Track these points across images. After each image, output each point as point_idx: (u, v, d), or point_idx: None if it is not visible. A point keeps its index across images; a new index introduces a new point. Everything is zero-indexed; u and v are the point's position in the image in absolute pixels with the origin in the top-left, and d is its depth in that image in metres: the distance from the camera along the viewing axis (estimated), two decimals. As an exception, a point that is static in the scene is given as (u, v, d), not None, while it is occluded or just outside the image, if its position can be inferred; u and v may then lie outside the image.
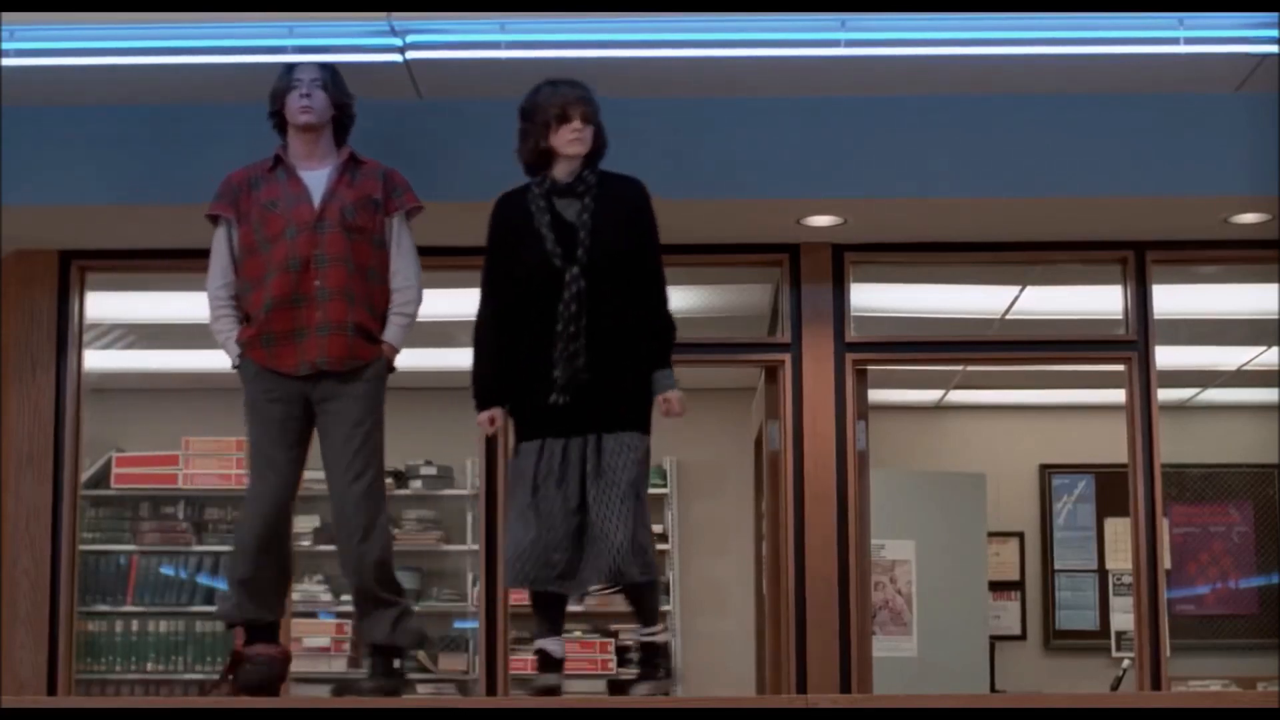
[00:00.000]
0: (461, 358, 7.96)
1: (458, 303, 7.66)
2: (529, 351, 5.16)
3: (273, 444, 5.40)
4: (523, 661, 9.10)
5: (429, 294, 8.35)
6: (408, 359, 9.12)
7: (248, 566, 5.39)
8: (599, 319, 5.09)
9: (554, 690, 5.16)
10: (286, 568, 5.54)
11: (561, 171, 5.22)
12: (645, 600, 5.21)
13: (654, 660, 5.20)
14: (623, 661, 9.69)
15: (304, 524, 8.98)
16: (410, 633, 5.48)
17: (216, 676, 8.27)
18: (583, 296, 5.08)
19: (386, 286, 5.50)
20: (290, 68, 5.59)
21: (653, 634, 5.21)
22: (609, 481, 5.05)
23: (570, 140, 5.18)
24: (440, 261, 7.38)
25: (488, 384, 5.29)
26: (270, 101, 5.59)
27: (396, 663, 5.47)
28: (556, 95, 5.18)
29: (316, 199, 5.43)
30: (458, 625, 9.36)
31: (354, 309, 5.38)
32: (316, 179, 5.48)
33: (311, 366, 5.35)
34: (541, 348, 5.11)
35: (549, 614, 5.24)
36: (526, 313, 5.18)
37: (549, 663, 5.21)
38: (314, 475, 9.29)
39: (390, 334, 5.51)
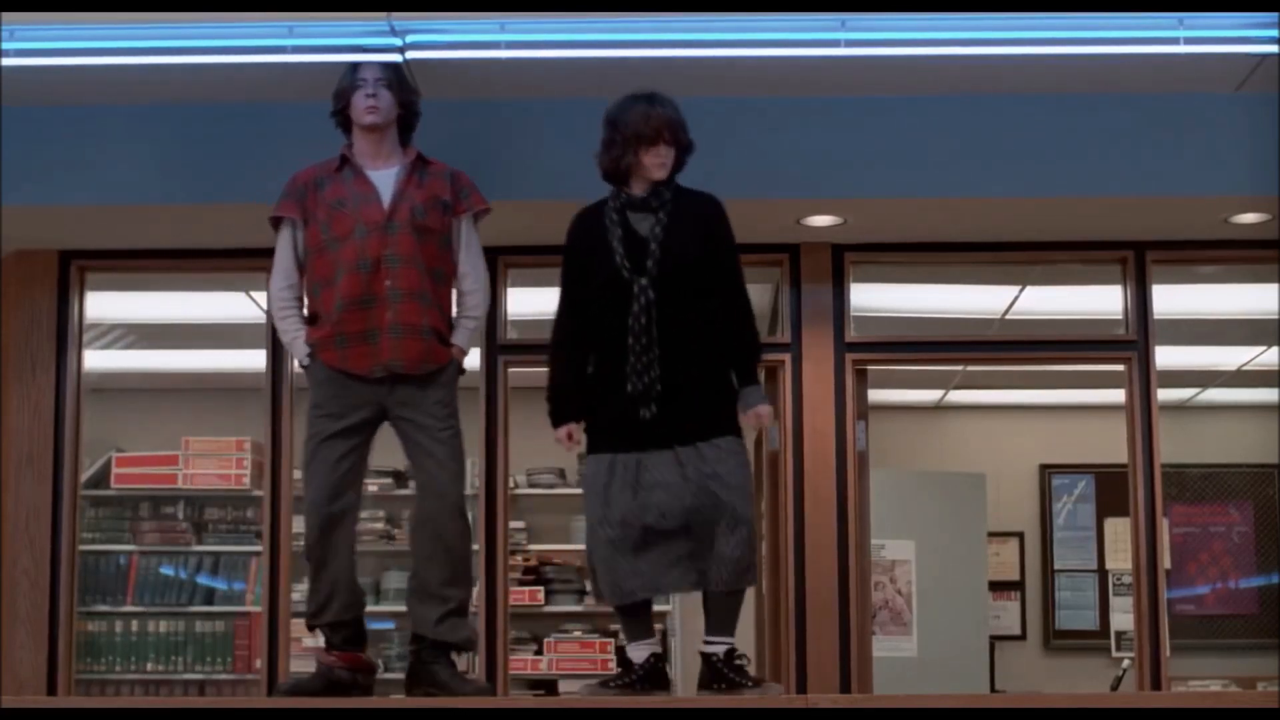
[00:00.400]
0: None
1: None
2: (604, 365, 5.17)
3: (339, 449, 5.36)
4: (523, 661, 9.13)
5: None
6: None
7: (325, 572, 5.37)
8: (670, 330, 5.08)
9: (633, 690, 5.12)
10: (349, 571, 5.47)
11: (638, 186, 5.22)
12: (729, 608, 5.17)
13: (736, 670, 5.12)
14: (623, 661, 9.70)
15: (303, 524, 8.98)
16: (458, 631, 5.41)
17: (220, 676, 8.31)
18: (652, 308, 5.07)
19: (451, 288, 5.48)
20: (355, 67, 5.54)
21: (729, 642, 5.15)
22: (716, 487, 5.02)
23: (655, 165, 5.18)
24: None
25: (565, 399, 5.27)
26: (335, 101, 5.54)
27: (454, 658, 5.43)
28: (650, 118, 5.16)
29: (385, 199, 5.39)
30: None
31: (427, 311, 5.34)
32: (384, 179, 5.43)
33: (385, 369, 5.31)
34: (615, 361, 5.11)
35: (636, 619, 5.22)
36: (601, 327, 5.18)
37: (628, 667, 5.19)
38: (314, 475, 9.32)
39: (460, 337, 5.47)
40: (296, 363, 5.52)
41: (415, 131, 5.61)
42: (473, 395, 7.22)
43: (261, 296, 7.34)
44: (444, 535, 5.37)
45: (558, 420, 5.28)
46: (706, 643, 5.18)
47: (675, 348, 5.07)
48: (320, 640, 5.55)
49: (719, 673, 5.10)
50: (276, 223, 5.53)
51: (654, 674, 5.19)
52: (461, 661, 9.01)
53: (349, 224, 5.35)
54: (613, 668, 9.52)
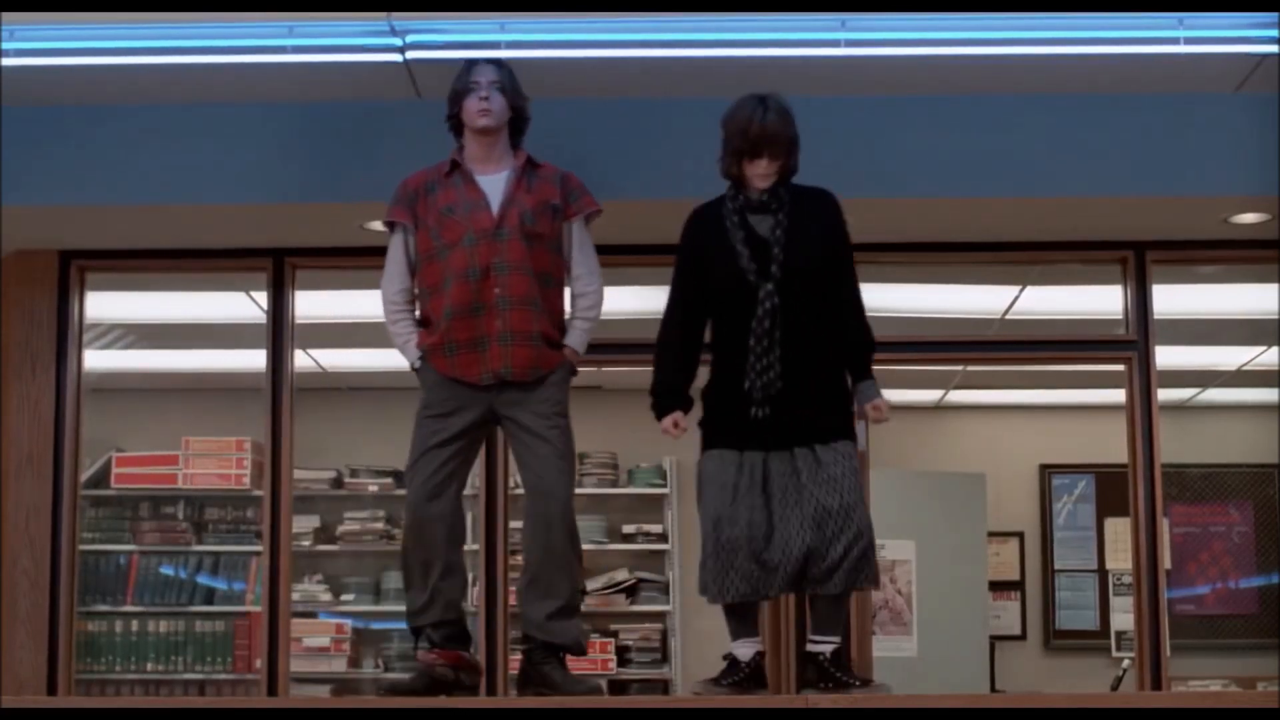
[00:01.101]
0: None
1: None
2: (723, 365, 5.18)
3: (445, 453, 5.37)
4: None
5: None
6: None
7: (431, 573, 5.39)
8: (792, 333, 5.09)
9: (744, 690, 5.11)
10: (460, 565, 5.51)
11: (755, 189, 5.22)
12: (838, 608, 5.17)
13: (843, 670, 5.13)
14: (623, 662, 9.70)
15: (303, 524, 8.99)
16: (568, 633, 5.42)
17: (220, 676, 8.30)
18: (776, 312, 5.08)
19: (563, 291, 5.47)
20: (468, 68, 5.51)
21: (836, 642, 5.14)
22: (830, 491, 5.03)
23: (758, 176, 5.19)
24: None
25: (671, 390, 5.28)
26: (448, 104, 5.51)
27: (559, 659, 5.41)
28: (748, 132, 5.16)
29: (495, 205, 5.37)
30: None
31: (537, 317, 5.33)
32: (493, 184, 5.41)
33: (495, 376, 5.31)
34: (734, 362, 5.12)
35: (744, 617, 5.21)
36: (719, 326, 5.20)
37: (734, 665, 5.18)
38: (314, 476, 9.37)
39: (573, 339, 5.47)
40: (408, 364, 5.49)
41: (525, 135, 5.58)
42: (473, 395, 7.21)
43: (261, 296, 7.35)
44: (551, 536, 5.39)
45: (663, 410, 5.29)
46: (813, 642, 5.17)
47: (795, 350, 5.09)
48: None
49: (825, 672, 5.11)
50: (390, 226, 5.52)
51: (758, 673, 5.20)
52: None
53: (459, 231, 5.34)
54: (613, 668, 9.53)
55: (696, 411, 5.31)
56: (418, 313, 5.50)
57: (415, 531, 5.39)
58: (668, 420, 5.28)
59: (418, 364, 5.43)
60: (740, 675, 5.15)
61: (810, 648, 5.18)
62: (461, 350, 5.32)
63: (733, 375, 5.13)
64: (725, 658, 5.22)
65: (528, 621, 5.41)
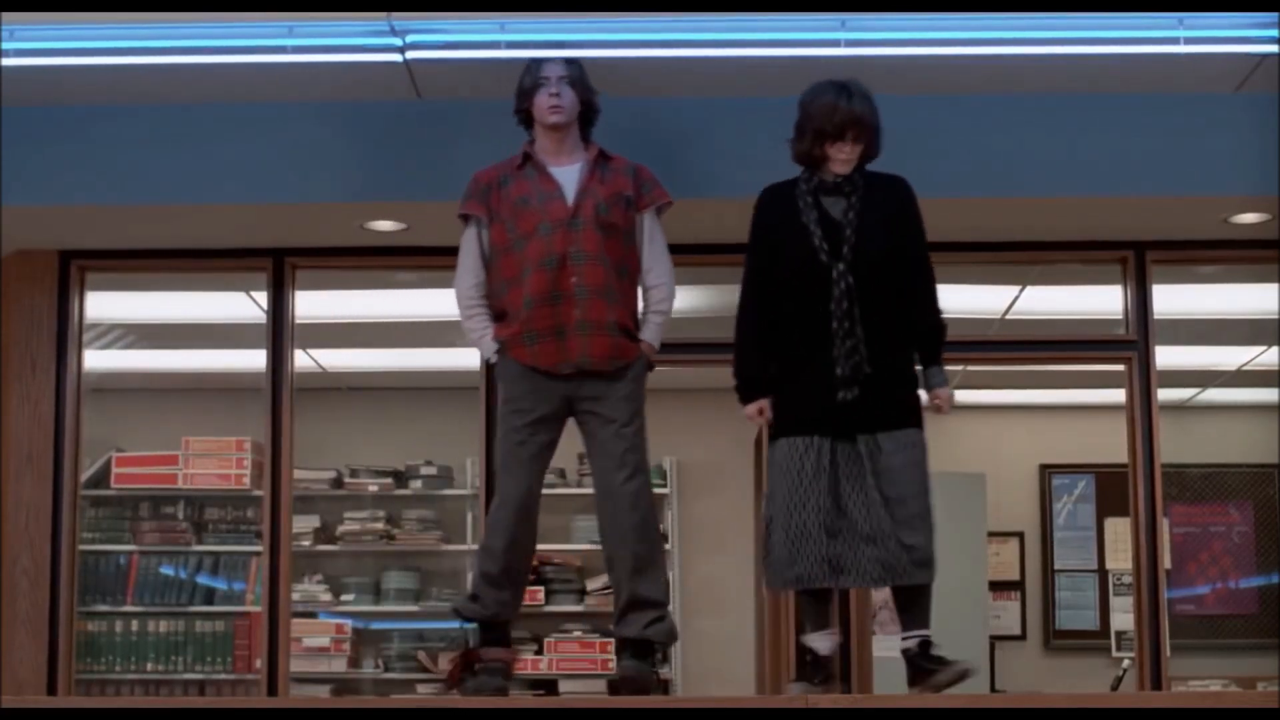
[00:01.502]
0: (460, 358, 7.99)
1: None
2: (797, 348, 5.17)
3: (528, 442, 5.37)
4: (523, 661, 9.11)
5: (425, 293, 8.40)
6: (408, 360, 9.14)
7: (497, 564, 5.37)
8: (869, 315, 5.09)
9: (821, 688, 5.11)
10: (529, 568, 5.51)
11: (829, 172, 5.23)
12: (919, 601, 5.19)
13: (934, 661, 5.14)
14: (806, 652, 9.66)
15: (303, 524, 8.98)
16: (661, 630, 5.38)
17: (220, 676, 8.30)
18: (852, 293, 5.09)
19: (636, 283, 5.47)
20: (537, 64, 5.53)
21: (925, 635, 5.16)
22: (889, 481, 5.05)
23: (839, 159, 5.20)
24: (440, 261, 7.41)
25: (754, 376, 5.28)
26: (517, 99, 5.53)
27: (652, 659, 5.38)
28: (835, 114, 5.17)
29: (569, 196, 5.39)
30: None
31: (613, 307, 5.35)
32: (567, 175, 5.44)
33: (574, 366, 5.32)
34: (815, 345, 5.11)
35: (819, 608, 5.22)
36: (793, 309, 5.19)
37: (817, 662, 5.18)
38: (314, 476, 9.36)
39: (649, 333, 5.47)
40: (484, 359, 5.48)
41: (594, 127, 5.60)
42: (472, 395, 7.22)
43: (261, 296, 7.34)
44: (625, 534, 5.35)
45: (748, 397, 5.29)
46: (904, 639, 5.18)
47: (870, 335, 5.09)
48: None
49: (919, 666, 5.12)
50: (464, 220, 5.52)
51: (835, 665, 5.24)
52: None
53: (534, 221, 5.36)
54: (613, 668, 9.52)
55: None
56: (492, 307, 5.48)
57: (501, 527, 5.38)
58: (752, 408, 5.29)
59: (494, 359, 5.43)
60: (829, 672, 5.18)
61: (901, 645, 5.18)
62: (541, 339, 5.33)
63: (810, 358, 5.12)
64: (804, 652, 5.21)
65: (616, 620, 5.40)
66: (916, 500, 5.07)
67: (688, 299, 7.82)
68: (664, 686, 9.51)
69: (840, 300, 5.08)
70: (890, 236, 5.19)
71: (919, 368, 5.26)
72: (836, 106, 5.17)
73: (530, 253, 5.33)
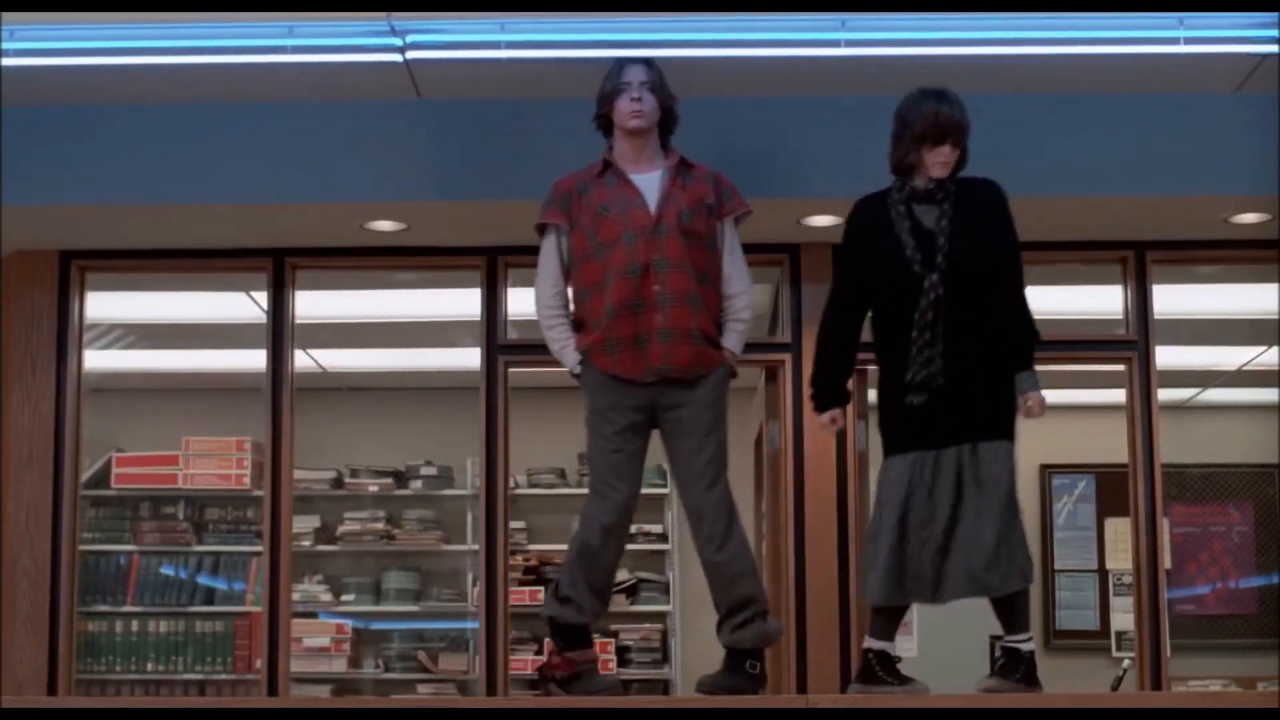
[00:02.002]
0: (459, 359, 7.99)
1: (458, 304, 7.68)
2: (887, 361, 5.19)
3: (619, 452, 5.37)
4: (523, 661, 9.12)
5: (425, 293, 8.40)
6: (408, 360, 9.14)
7: (589, 571, 5.40)
8: (956, 326, 5.09)
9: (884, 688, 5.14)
10: (614, 574, 5.53)
11: (922, 179, 5.23)
12: (1015, 608, 5.20)
13: (1016, 665, 5.17)
14: (623, 662, 9.68)
15: (303, 524, 8.99)
16: (761, 633, 5.40)
17: (220, 676, 8.29)
18: (940, 304, 5.09)
19: (718, 291, 5.46)
20: (619, 69, 5.51)
21: (1019, 641, 5.19)
22: (981, 492, 5.05)
23: (938, 164, 5.20)
24: (440, 261, 7.42)
25: (830, 384, 5.30)
26: (598, 104, 5.52)
27: (750, 664, 5.38)
28: (937, 120, 5.18)
29: (651, 203, 5.37)
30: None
31: (697, 315, 5.33)
32: (648, 183, 5.42)
33: (657, 374, 5.31)
34: (898, 356, 5.13)
35: (888, 621, 5.24)
36: (882, 321, 5.20)
37: (884, 660, 5.20)
38: (314, 476, 9.36)
39: (730, 340, 5.47)
40: (568, 370, 5.47)
41: (673, 134, 5.58)
42: (472, 395, 7.22)
43: (261, 296, 7.34)
44: (714, 540, 5.36)
45: (823, 405, 5.31)
46: (1014, 641, 5.21)
47: (958, 345, 5.09)
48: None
49: (1031, 672, 5.18)
50: (541, 229, 5.51)
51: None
52: (462, 661, 9.07)
53: (616, 229, 5.34)
54: (613, 668, 9.51)
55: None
56: (572, 315, 5.48)
57: (596, 533, 5.41)
58: (826, 417, 5.31)
59: (578, 370, 5.42)
60: (896, 677, 5.19)
61: (1009, 644, 5.20)
62: (623, 347, 5.32)
63: (895, 371, 5.14)
64: (872, 654, 5.20)
65: (723, 636, 5.41)
66: (1012, 510, 5.06)
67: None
68: (664, 687, 9.53)
69: (925, 311, 5.09)
70: (984, 242, 5.18)
71: (1014, 371, 5.24)
72: (938, 112, 5.18)
73: (613, 261, 5.31)
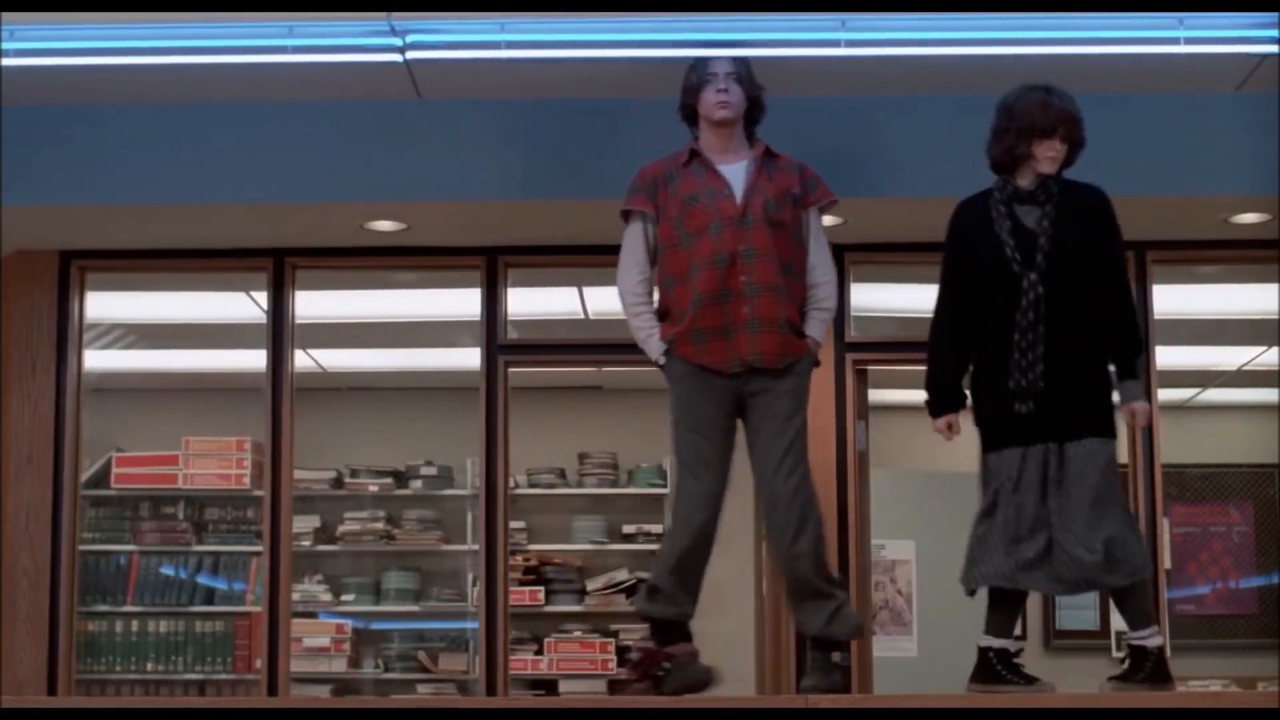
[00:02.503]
0: (459, 359, 7.99)
1: (458, 304, 7.68)
2: (988, 360, 5.17)
3: (707, 442, 5.34)
4: (523, 661, 9.13)
5: (425, 293, 8.40)
6: (408, 360, 9.14)
7: (682, 563, 5.36)
8: (1057, 326, 5.07)
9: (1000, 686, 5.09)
10: (705, 567, 5.47)
11: (1024, 178, 5.21)
12: (1131, 602, 5.17)
13: (1142, 664, 5.13)
14: (623, 662, 9.68)
15: (303, 524, 8.98)
16: (847, 624, 5.38)
17: (220, 676, 8.29)
18: (1041, 303, 5.06)
19: (802, 281, 5.45)
20: (704, 61, 5.51)
21: (1143, 638, 5.14)
22: (1074, 488, 5.03)
23: (1047, 158, 5.17)
24: (440, 261, 7.42)
25: (945, 390, 5.29)
26: (683, 95, 5.52)
27: (836, 655, 5.37)
28: (1048, 110, 5.16)
29: (738, 193, 5.37)
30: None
31: (783, 305, 5.33)
32: (734, 173, 5.41)
33: (743, 364, 5.29)
34: (999, 355, 5.11)
35: (1007, 612, 5.20)
36: (984, 319, 5.18)
37: (1004, 658, 5.16)
38: (314, 476, 9.36)
39: (813, 329, 5.46)
40: (652, 359, 5.44)
41: (760, 125, 5.57)
42: (472, 395, 7.23)
43: (261, 296, 7.34)
44: (789, 529, 5.33)
45: (938, 410, 5.29)
46: (1138, 637, 5.17)
47: (1060, 345, 5.07)
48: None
49: (1159, 669, 5.13)
50: (626, 216, 5.49)
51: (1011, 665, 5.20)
52: (462, 661, 9.06)
53: (703, 219, 5.33)
54: (613, 668, 9.51)
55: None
56: (656, 304, 5.46)
57: (688, 526, 5.35)
58: (941, 422, 5.29)
59: (662, 360, 5.40)
60: (1019, 676, 5.15)
61: (1135, 641, 5.17)
62: (709, 338, 5.30)
63: (998, 369, 5.11)
64: (992, 652, 5.17)
65: (812, 625, 5.37)
66: (1114, 506, 5.05)
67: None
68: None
69: (1026, 311, 5.07)
70: (1085, 246, 5.16)
71: (1116, 380, 5.21)
72: (1049, 103, 5.16)
73: (699, 251, 5.30)
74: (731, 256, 5.28)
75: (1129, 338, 5.21)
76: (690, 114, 5.52)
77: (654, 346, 5.41)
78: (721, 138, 5.46)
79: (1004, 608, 5.19)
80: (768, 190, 5.38)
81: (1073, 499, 5.02)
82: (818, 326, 5.47)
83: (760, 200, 5.36)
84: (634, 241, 5.47)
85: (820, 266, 5.50)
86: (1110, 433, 5.14)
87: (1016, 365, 5.07)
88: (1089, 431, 5.08)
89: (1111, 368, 5.20)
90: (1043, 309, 5.06)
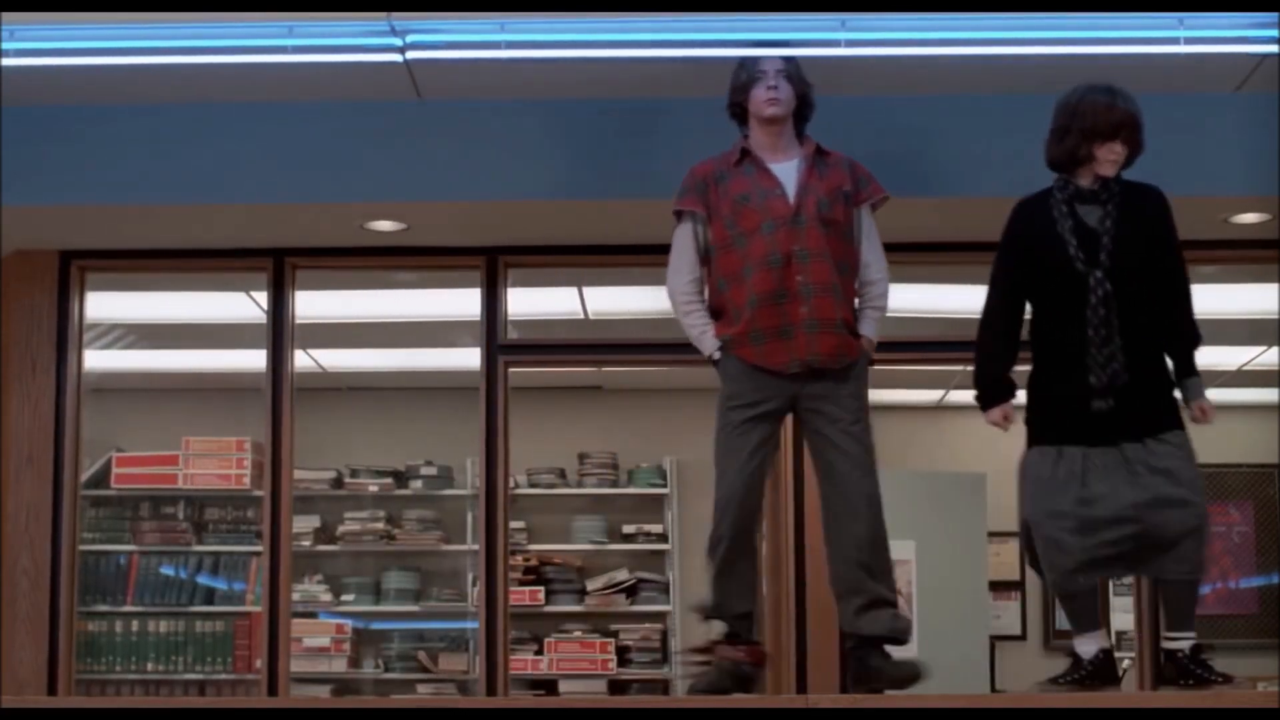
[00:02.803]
0: (459, 359, 7.99)
1: (458, 304, 7.68)
2: (1051, 357, 5.16)
3: (750, 434, 5.31)
4: (523, 661, 9.13)
5: (425, 293, 8.40)
6: (408, 360, 9.14)
7: (728, 558, 5.35)
8: (1129, 323, 5.07)
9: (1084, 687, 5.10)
10: (756, 558, 5.48)
11: (1085, 178, 5.20)
12: (1176, 601, 5.14)
13: (1183, 668, 5.10)
14: (623, 662, 9.69)
15: (303, 524, 8.99)
16: (896, 625, 5.36)
17: (220, 676, 8.29)
18: (1110, 300, 5.05)
19: (855, 280, 5.44)
20: (753, 59, 5.49)
21: (1174, 639, 5.12)
22: (1164, 482, 5.00)
23: (1108, 160, 5.17)
24: (440, 261, 7.42)
25: (998, 381, 5.27)
26: (732, 94, 5.49)
27: (888, 651, 5.35)
28: (1112, 113, 5.15)
29: (790, 192, 5.34)
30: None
31: (840, 305, 5.32)
32: (785, 171, 5.38)
33: (802, 365, 5.27)
34: (1071, 354, 5.08)
35: (1081, 611, 5.23)
36: (1043, 319, 5.18)
37: (1076, 664, 5.18)
38: (314, 476, 9.36)
39: (867, 328, 5.44)
40: (706, 356, 5.43)
41: (809, 123, 5.55)
42: (472, 395, 7.22)
43: (261, 296, 7.34)
44: (855, 531, 5.32)
45: (990, 402, 5.27)
46: (1168, 639, 5.15)
47: (1130, 342, 5.06)
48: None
49: (1185, 669, 5.09)
50: (679, 216, 5.47)
51: (1104, 669, 5.18)
52: (462, 661, 9.07)
53: (756, 219, 5.31)
54: (613, 668, 9.51)
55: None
56: (708, 304, 5.45)
57: (733, 523, 5.33)
58: (996, 412, 5.27)
59: (717, 356, 5.38)
60: (1082, 673, 5.15)
61: (1166, 644, 5.15)
62: (768, 338, 5.28)
63: (1066, 368, 5.09)
64: (1068, 655, 5.19)
65: (844, 618, 5.37)
66: (1195, 502, 5.02)
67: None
68: (664, 687, 9.53)
69: (1097, 308, 5.05)
70: (1147, 246, 5.16)
71: (1176, 378, 5.20)
72: (1113, 106, 5.16)
73: (753, 251, 5.27)
74: (786, 256, 5.26)
75: (1192, 335, 5.22)
76: (739, 112, 5.50)
77: (708, 343, 5.40)
78: (771, 135, 5.43)
79: (1083, 603, 5.21)
80: (820, 189, 5.36)
81: (1161, 493, 4.99)
82: (872, 325, 5.46)
83: (813, 199, 5.33)
84: (684, 242, 5.45)
85: (874, 264, 5.48)
86: (1184, 425, 5.14)
87: (1094, 361, 5.04)
88: (1165, 426, 5.08)
89: (1171, 365, 5.20)
90: (1113, 306, 5.06)
